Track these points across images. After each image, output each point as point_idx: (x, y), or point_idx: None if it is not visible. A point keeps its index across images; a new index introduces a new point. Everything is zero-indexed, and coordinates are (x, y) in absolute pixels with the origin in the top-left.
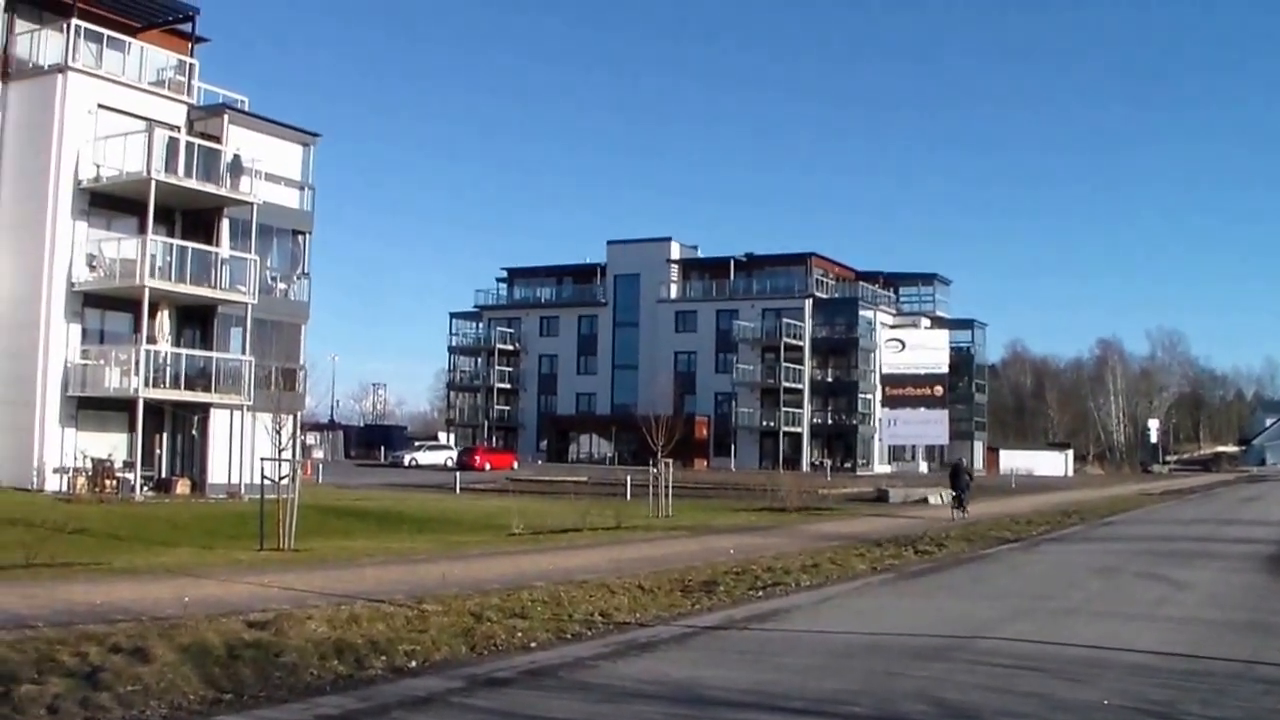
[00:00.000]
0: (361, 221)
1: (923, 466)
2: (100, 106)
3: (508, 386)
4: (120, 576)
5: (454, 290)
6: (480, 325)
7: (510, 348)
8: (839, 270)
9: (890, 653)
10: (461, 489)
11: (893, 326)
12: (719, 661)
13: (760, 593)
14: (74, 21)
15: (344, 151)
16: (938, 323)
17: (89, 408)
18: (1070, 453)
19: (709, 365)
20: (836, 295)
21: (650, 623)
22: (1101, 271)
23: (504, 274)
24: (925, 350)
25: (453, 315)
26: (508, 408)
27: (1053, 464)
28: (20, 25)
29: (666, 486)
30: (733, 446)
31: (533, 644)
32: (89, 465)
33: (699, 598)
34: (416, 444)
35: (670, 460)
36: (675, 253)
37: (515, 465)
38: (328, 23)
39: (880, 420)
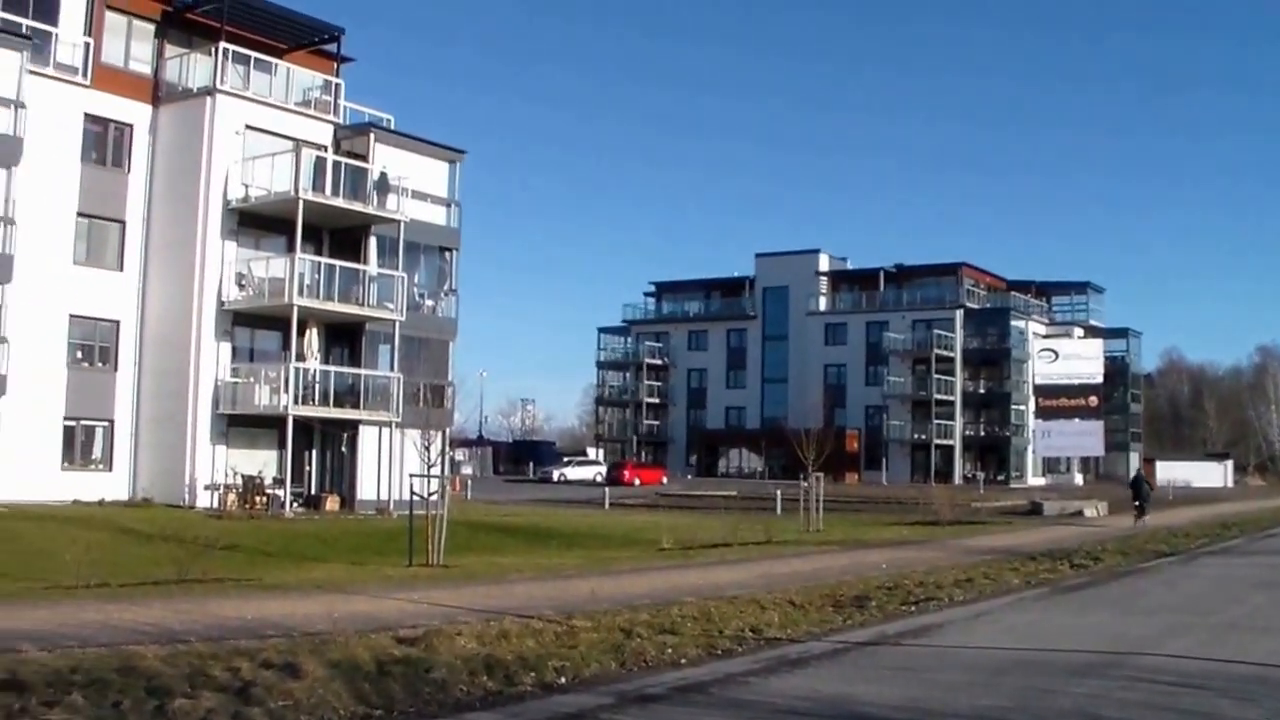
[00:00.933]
0: (509, 237)
1: (1078, 479)
2: (248, 127)
3: (656, 401)
4: (271, 592)
5: (602, 305)
6: (629, 340)
7: (659, 362)
8: (989, 280)
9: (1046, 669)
10: (610, 504)
11: (1045, 336)
12: (871, 677)
13: (913, 608)
14: (222, 45)
15: (491, 167)
16: (1091, 332)
17: (239, 425)
18: (1230, 463)
19: (859, 378)
20: (987, 305)
21: (802, 638)
22: (1261, 275)
23: (652, 288)
24: (1079, 360)
25: (601, 330)
26: (656, 422)
27: (1211, 475)
28: (170, 50)
29: (817, 501)
30: (883, 460)
31: (683, 660)
32: (239, 482)
33: (850, 613)
34: (565, 459)
35: (821, 474)
36: (824, 264)
37: (664, 480)
38: (473, 40)
39: (1034, 432)
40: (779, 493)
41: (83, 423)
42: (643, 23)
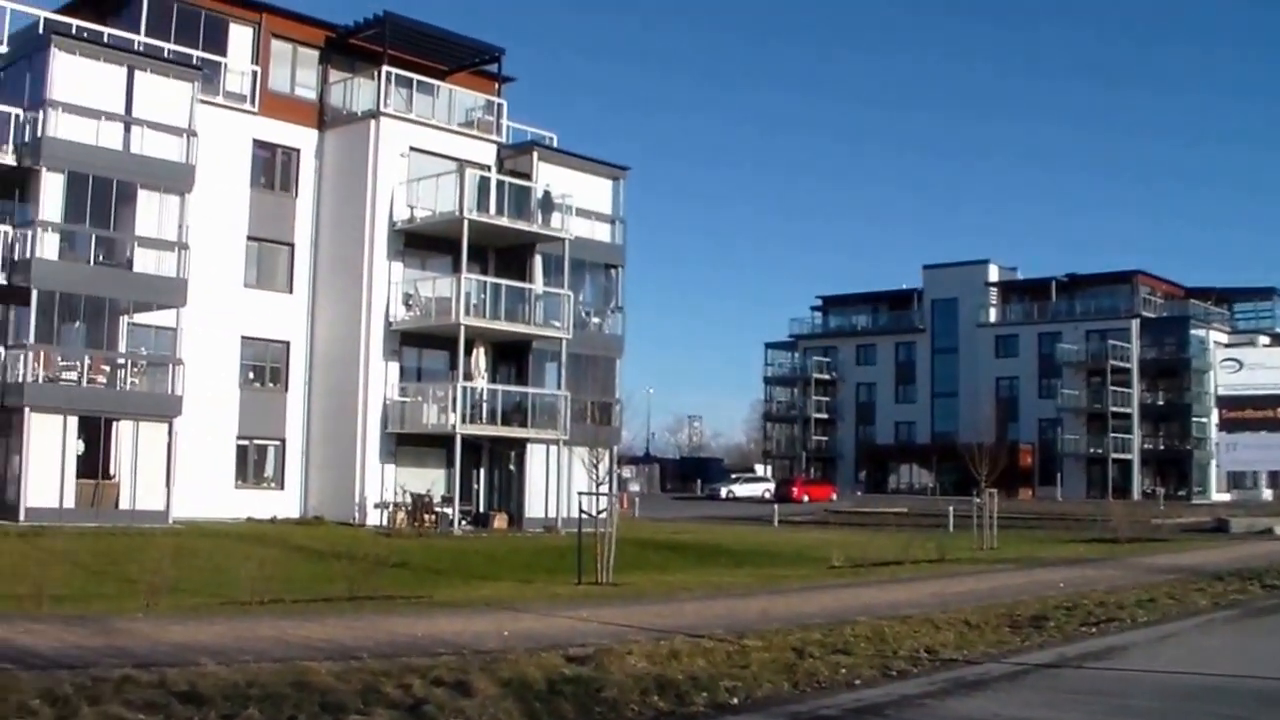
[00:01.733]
0: (674, 253)
1: (1266, 494)
2: (412, 149)
3: (824, 416)
4: (441, 609)
5: (768, 320)
6: (796, 355)
7: (826, 377)
8: (1166, 288)
9: (1239, 697)
10: (779, 521)
11: (1228, 345)
12: (1053, 702)
13: (1093, 629)
14: (385, 69)
15: (654, 183)
16: (1278, 340)
17: (407, 444)
18: None
19: (1031, 390)
20: (1165, 314)
21: (978, 660)
22: None
23: (819, 302)
24: (1265, 369)
25: (768, 345)
26: (825, 438)
27: None
28: (334, 75)
29: (990, 517)
30: (1058, 475)
31: (857, 681)
32: (408, 500)
33: (1028, 634)
34: (733, 476)
35: (993, 490)
36: (994, 275)
37: (834, 497)
38: (636, 56)
39: (1217, 445)
40: (951, 509)
41: (255, 442)
42: (802, 36)
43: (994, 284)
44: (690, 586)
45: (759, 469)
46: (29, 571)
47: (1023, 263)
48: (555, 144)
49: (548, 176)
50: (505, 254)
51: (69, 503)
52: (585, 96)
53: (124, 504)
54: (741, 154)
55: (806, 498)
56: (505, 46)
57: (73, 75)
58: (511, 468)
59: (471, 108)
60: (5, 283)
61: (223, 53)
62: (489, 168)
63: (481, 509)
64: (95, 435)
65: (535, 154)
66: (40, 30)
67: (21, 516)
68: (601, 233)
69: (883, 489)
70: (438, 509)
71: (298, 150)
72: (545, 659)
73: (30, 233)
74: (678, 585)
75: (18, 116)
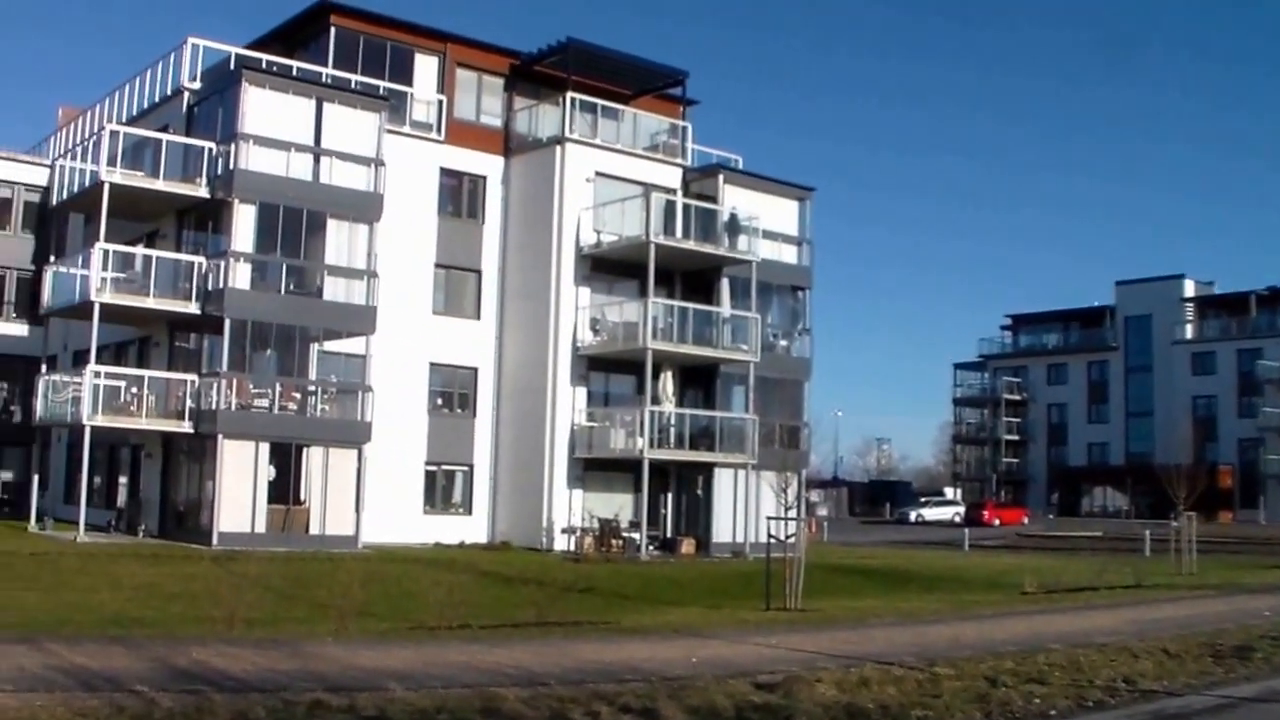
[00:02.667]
0: (860, 273)
1: None
2: (598, 174)
3: (1015, 438)
4: (628, 635)
5: (956, 340)
6: (985, 375)
7: (1017, 397)
8: None
9: None
10: (970, 545)
11: None
12: None
13: None
14: (569, 95)
15: (840, 203)
16: None
17: (595, 469)
18: None
19: (1231, 409)
20: None
21: (1180, 691)
22: None
23: (1008, 321)
24: None
25: (956, 366)
26: (1015, 460)
27: None
28: (519, 102)
29: (1189, 541)
30: (1261, 498)
31: (1052, 711)
32: (596, 525)
33: (1232, 664)
34: (922, 499)
35: (1192, 513)
36: (1189, 290)
37: (1025, 520)
38: (819, 78)
39: None
40: (1147, 533)
41: (443, 467)
42: (983, 60)
43: (1190, 299)
44: (879, 612)
45: (948, 492)
46: (222, 595)
47: (1220, 276)
48: (740, 166)
49: (733, 199)
50: (692, 277)
51: (260, 528)
52: (769, 118)
53: (314, 529)
54: (927, 171)
55: (997, 521)
56: (688, 70)
57: (263, 109)
58: (699, 492)
59: (656, 131)
60: (199, 312)
61: (409, 83)
62: (674, 191)
63: (669, 534)
64: (286, 461)
65: (721, 177)
66: (231, 66)
67: (214, 541)
68: (788, 254)
69: (1075, 512)
70: (625, 534)
71: (484, 177)
72: (733, 686)
73: (223, 263)
74: (867, 611)
75: (211, 150)
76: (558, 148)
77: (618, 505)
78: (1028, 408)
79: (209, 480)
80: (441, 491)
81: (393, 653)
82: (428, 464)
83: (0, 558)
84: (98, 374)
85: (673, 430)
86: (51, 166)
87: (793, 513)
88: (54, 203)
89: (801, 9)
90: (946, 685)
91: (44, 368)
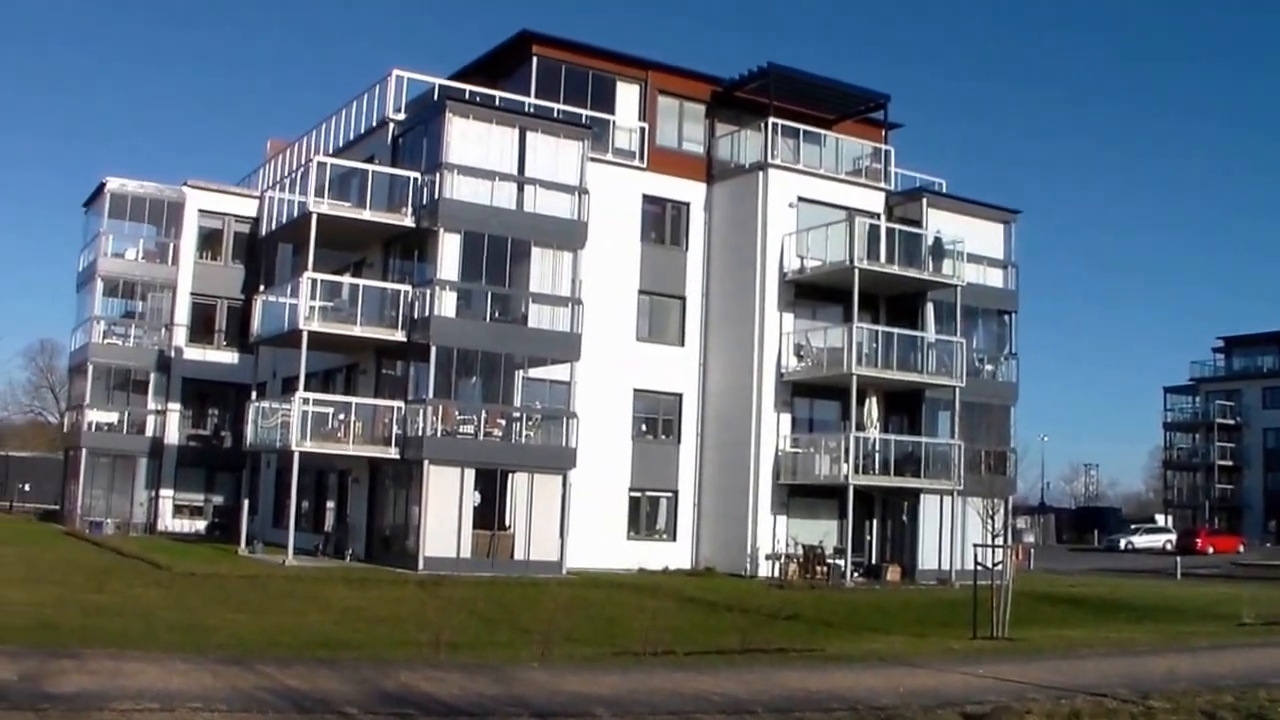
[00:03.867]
0: (1066, 296)
1: None
2: (800, 199)
3: (1229, 463)
4: (833, 663)
5: (1165, 363)
6: (1197, 399)
7: (1230, 422)
8: None
9: None
10: (1182, 574)
11: None
12: None
13: None
14: (770, 120)
15: (1045, 225)
16: None
17: (799, 495)
18: None
19: None
20: None
21: None
22: None
23: (1220, 343)
24: None
25: (1166, 390)
26: (1230, 486)
27: None
28: (720, 129)
29: None
30: None
31: None
32: (800, 552)
33: None
34: (1132, 526)
35: None
36: None
37: (1241, 548)
38: (1017, 96)
39: None
40: None
41: (647, 493)
42: (1202, 61)
43: None
44: (1090, 643)
45: (1159, 519)
46: (429, 619)
47: None
48: (944, 189)
49: (937, 222)
50: (896, 302)
51: (465, 553)
52: (971, 139)
53: (519, 554)
54: (1133, 190)
55: (1211, 549)
56: (890, 94)
57: (467, 138)
58: (904, 518)
59: (858, 155)
60: (405, 340)
61: (611, 110)
62: (877, 215)
63: (873, 560)
64: (491, 487)
65: (924, 200)
66: (435, 97)
67: (420, 565)
68: (993, 278)
69: None
70: (829, 560)
71: (687, 204)
72: (941, 716)
73: (429, 291)
74: (1076, 641)
75: (416, 180)
76: (760, 173)
77: (822, 531)
78: (1242, 432)
79: (415, 505)
80: (645, 517)
81: (598, 678)
82: (632, 490)
83: (212, 580)
84: (306, 401)
85: (877, 456)
86: (261, 198)
87: (999, 540)
88: (263, 233)
89: (1005, 44)
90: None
91: (254, 394)
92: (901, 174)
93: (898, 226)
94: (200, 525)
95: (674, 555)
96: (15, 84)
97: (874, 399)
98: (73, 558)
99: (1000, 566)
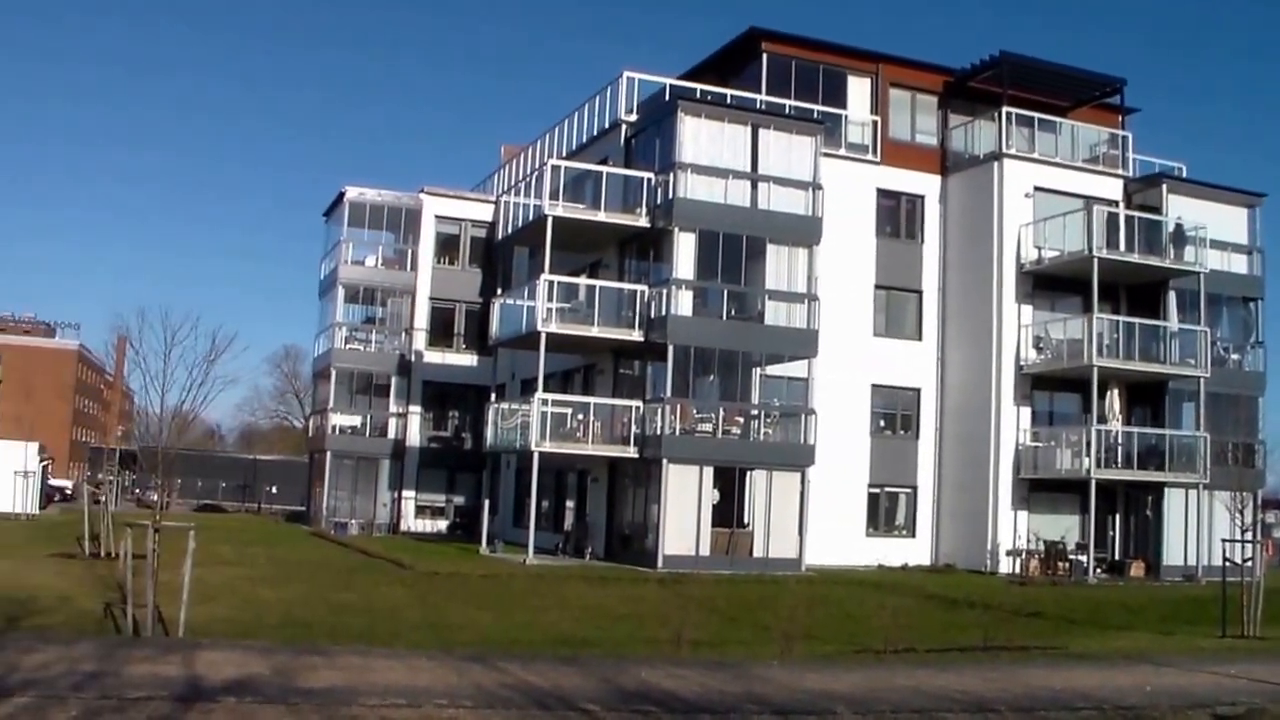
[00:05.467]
0: None
1: None
2: (1036, 189)
3: None
4: (1077, 661)
5: None
6: None
7: None
8: None
9: None
10: None
11: None
12: None
13: None
14: (1004, 110)
15: None
16: None
17: (1039, 490)
18: None
19: None
20: None
21: None
22: None
23: None
24: None
25: None
26: None
27: None
28: (953, 120)
29: None
30: None
31: None
32: (1040, 548)
33: None
34: None
35: None
36: None
37: None
38: (1259, 75)
39: None
40: None
41: (886, 489)
42: None
43: None
44: None
45: None
46: (668, 617)
47: None
48: (1184, 174)
49: (1178, 208)
50: (1136, 291)
51: (704, 550)
52: (1212, 122)
53: (757, 552)
54: None
55: None
56: (1126, 78)
57: (699, 137)
58: (1148, 513)
59: (1094, 143)
60: (643, 340)
61: (842, 105)
62: (1116, 203)
63: (1116, 556)
64: (729, 485)
65: (1164, 186)
66: (666, 97)
67: (659, 563)
68: (1238, 264)
69: None
70: (1071, 556)
71: (921, 197)
72: (1191, 717)
73: (665, 291)
74: None
75: (649, 180)
76: (995, 163)
77: (1063, 527)
78: None
79: (654, 504)
80: (884, 513)
81: (838, 676)
82: (870, 486)
83: (455, 579)
84: (545, 401)
85: (1120, 449)
86: (496, 203)
87: (1249, 534)
88: (499, 237)
89: (1246, 21)
90: None
91: (493, 396)
92: (1139, 160)
93: (1137, 214)
94: (442, 525)
95: (913, 551)
96: (262, 97)
97: (1115, 391)
98: (319, 558)
99: (1250, 562)
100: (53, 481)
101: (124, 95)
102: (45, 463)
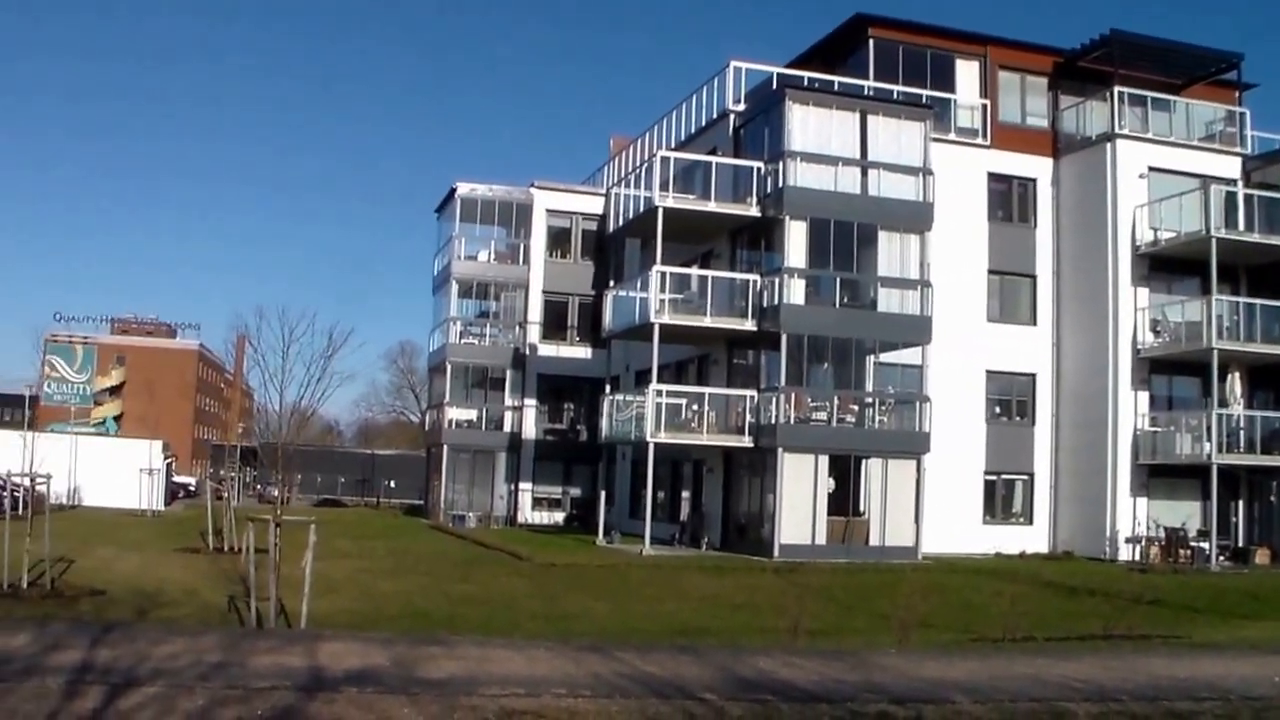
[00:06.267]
0: None
1: None
2: (1150, 169)
3: None
4: (1200, 651)
5: None
6: None
7: None
8: None
9: None
10: None
11: None
12: None
13: None
14: (1116, 89)
15: None
16: None
17: (1158, 475)
18: None
19: None
20: None
21: None
22: None
23: None
24: None
25: None
26: None
27: None
28: (1064, 101)
29: None
30: None
31: None
32: (1161, 534)
33: None
34: None
35: None
36: None
37: None
38: None
39: None
40: None
41: (1002, 476)
42: None
43: None
44: None
45: None
46: (785, 606)
47: None
48: None
49: None
50: (1257, 272)
51: (820, 539)
52: None
53: (873, 540)
54: None
55: None
56: (1243, 53)
57: (808, 125)
58: (1273, 499)
59: (1210, 120)
60: (755, 329)
61: (950, 89)
62: (1234, 182)
63: (1240, 543)
64: (844, 473)
65: None
66: (774, 85)
67: (775, 553)
68: None
69: None
70: (1193, 543)
71: (1033, 180)
72: None
73: (777, 280)
74: None
75: (759, 169)
76: (1108, 144)
77: (1184, 513)
78: None
79: (769, 493)
80: (1001, 500)
81: (956, 664)
82: (986, 473)
83: (572, 570)
84: (660, 392)
85: (1242, 434)
86: (606, 195)
87: None
88: (610, 230)
89: None
90: None
91: (607, 388)
92: (1258, 137)
93: (1257, 192)
94: (558, 517)
95: (1031, 539)
96: (373, 102)
97: (1236, 374)
98: (438, 550)
99: None
100: (176, 478)
101: (243, 96)
102: (169, 460)
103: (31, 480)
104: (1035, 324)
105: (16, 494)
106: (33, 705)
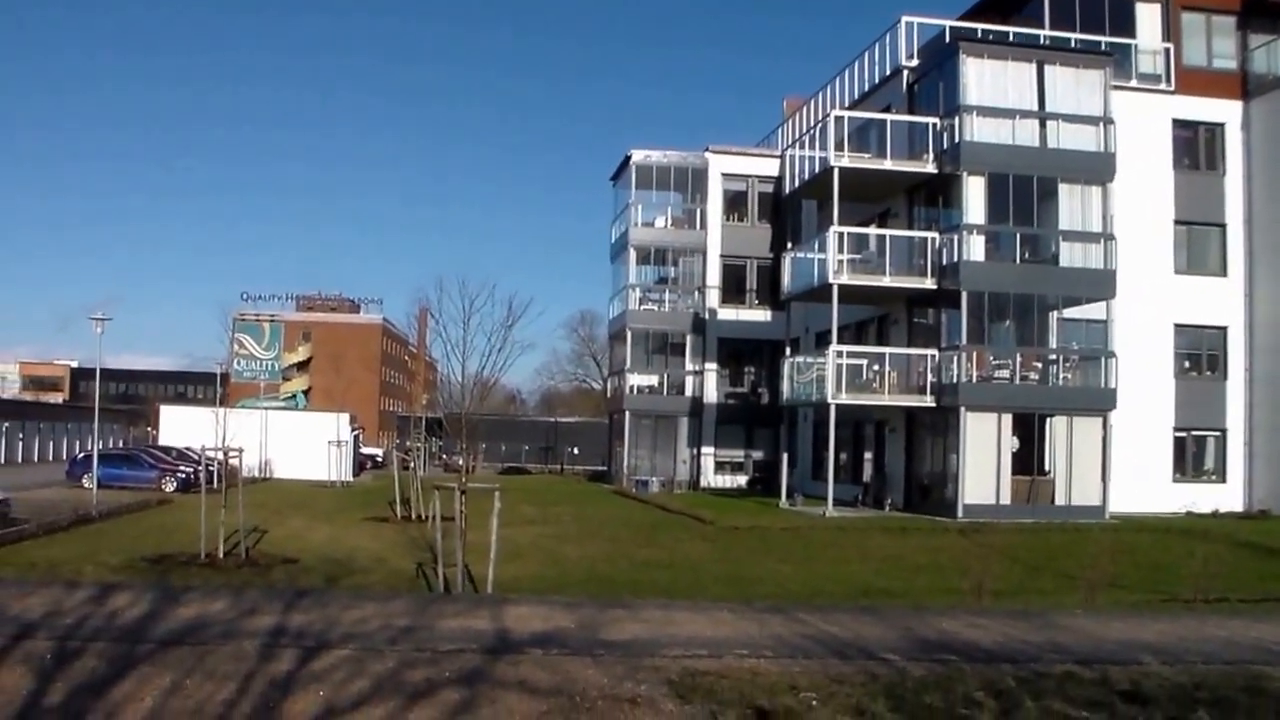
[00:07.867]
0: None
1: None
2: None
3: None
4: None
5: None
6: None
7: None
8: None
9: None
10: None
11: None
12: None
13: None
14: None
15: None
16: None
17: None
18: None
19: None
20: None
21: None
22: None
23: None
24: None
25: None
26: None
27: None
28: (1254, 40)
29: None
30: None
31: None
32: None
33: None
34: None
35: None
36: None
37: None
38: None
39: None
40: None
41: (1193, 433)
42: None
43: None
44: None
45: None
46: (969, 567)
47: None
48: None
49: None
50: None
51: (1004, 499)
52: None
53: (1059, 499)
54: None
55: None
56: None
57: (983, 79)
58: None
59: None
60: (935, 287)
61: (1131, 34)
62: None
63: None
64: (1028, 431)
65: None
66: (947, 39)
67: (959, 513)
68: None
69: None
70: None
71: (1221, 125)
72: None
73: (956, 237)
74: None
75: (934, 125)
76: None
77: None
78: None
79: (952, 453)
80: (1192, 458)
81: (1145, 626)
82: (1176, 429)
83: (755, 533)
84: (840, 354)
85: None
86: (781, 157)
87: None
88: (786, 192)
89: None
90: None
91: (787, 350)
92: None
93: None
94: (741, 480)
95: (1224, 497)
96: (547, 75)
97: None
98: (621, 515)
99: None
100: (364, 450)
101: (414, 81)
102: (356, 432)
103: (225, 455)
104: (1226, 275)
105: (212, 468)
106: (231, 666)
